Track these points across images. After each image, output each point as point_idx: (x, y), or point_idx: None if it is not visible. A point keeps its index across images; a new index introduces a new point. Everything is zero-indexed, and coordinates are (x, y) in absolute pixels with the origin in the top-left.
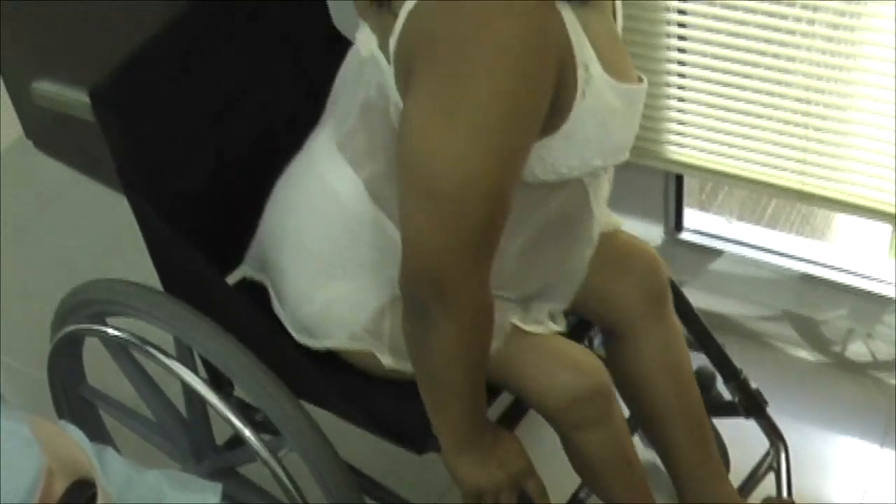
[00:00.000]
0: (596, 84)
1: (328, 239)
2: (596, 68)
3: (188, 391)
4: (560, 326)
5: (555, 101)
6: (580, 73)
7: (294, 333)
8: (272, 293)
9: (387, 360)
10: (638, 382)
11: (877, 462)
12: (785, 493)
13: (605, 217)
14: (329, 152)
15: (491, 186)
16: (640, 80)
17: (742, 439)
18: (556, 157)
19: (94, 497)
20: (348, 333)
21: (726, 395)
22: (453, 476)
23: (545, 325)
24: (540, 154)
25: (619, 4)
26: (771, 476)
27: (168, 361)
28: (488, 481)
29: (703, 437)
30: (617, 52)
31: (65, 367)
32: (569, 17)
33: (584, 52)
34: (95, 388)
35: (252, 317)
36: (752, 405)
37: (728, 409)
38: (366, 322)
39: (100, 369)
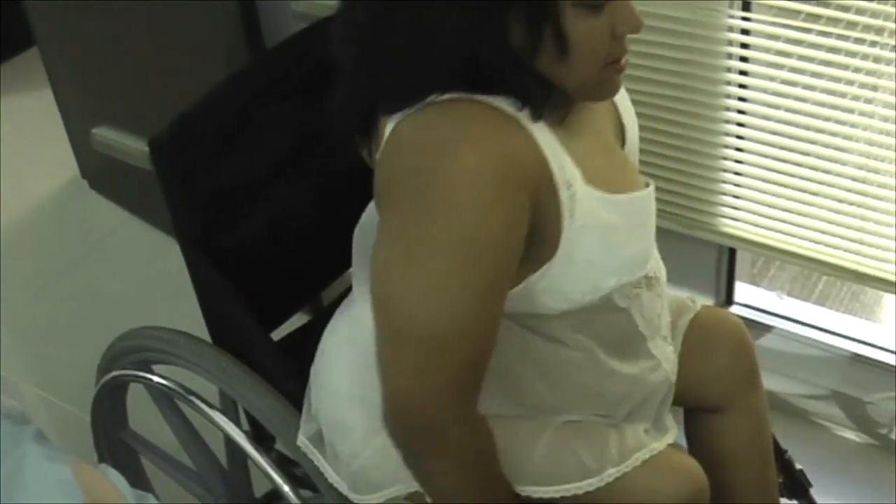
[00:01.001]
0: (583, 202)
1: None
2: (580, 186)
3: (230, 443)
4: (667, 437)
5: (538, 227)
6: (562, 193)
7: (353, 495)
8: (325, 467)
9: None
10: (724, 458)
11: None
12: None
13: (675, 319)
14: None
15: (467, 327)
16: (647, 185)
17: None
18: (562, 284)
19: None
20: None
21: None
22: None
23: (646, 445)
24: (544, 285)
25: (626, 107)
26: None
27: (211, 412)
28: None
29: None
30: (611, 162)
31: (108, 411)
32: (544, 136)
33: (566, 170)
34: (137, 434)
35: (293, 376)
36: (795, 487)
37: None
38: None
39: (142, 414)
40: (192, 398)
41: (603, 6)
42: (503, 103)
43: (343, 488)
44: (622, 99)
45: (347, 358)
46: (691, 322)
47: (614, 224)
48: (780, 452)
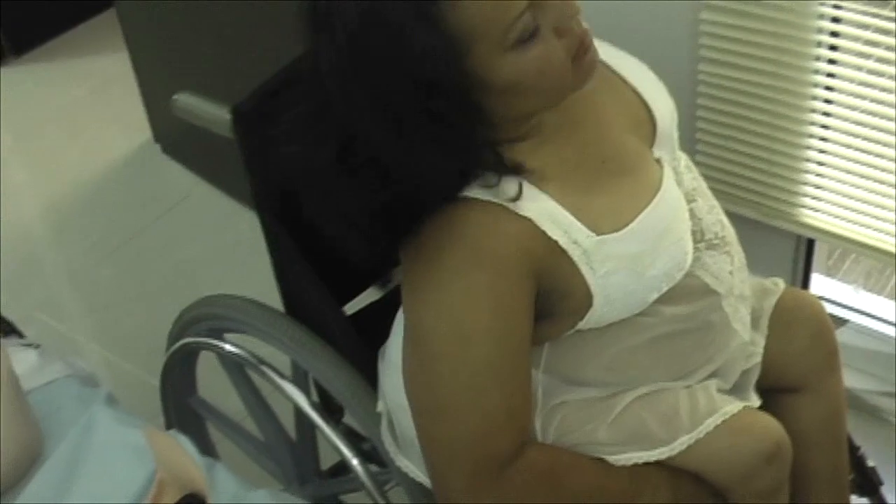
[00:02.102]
0: (597, 253)
1: None
2: (588, 241)
3: (299, 414)
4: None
5: (561, 289)
6: (573, 254)
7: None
8: (395, 450)
9: None
10: (798, 438)
11: None
12: None
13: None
14: None
15: (488, 420)
16: (661, 170)
17: None
18: (609, 317)
19: None
20: None
21: None
22: None
23: (718, 409)
24: (592, 323)
25: (649, 89)
26: None
27: (282, 382)
28: None
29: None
30: (617, 186)
31: (178, 377)
32: (538, 206)
33: (571, 231)
34: (205, 401)
35: (363, 350)
36: (866, 484)
37: None
38: None
39: (211, 382)
40: (264, 368)
41: (538, 30)
42: (489, 193)
43: (412, 470)
44: (643, 81)
45: None
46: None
47: (637, 252)
48: (852, 449)
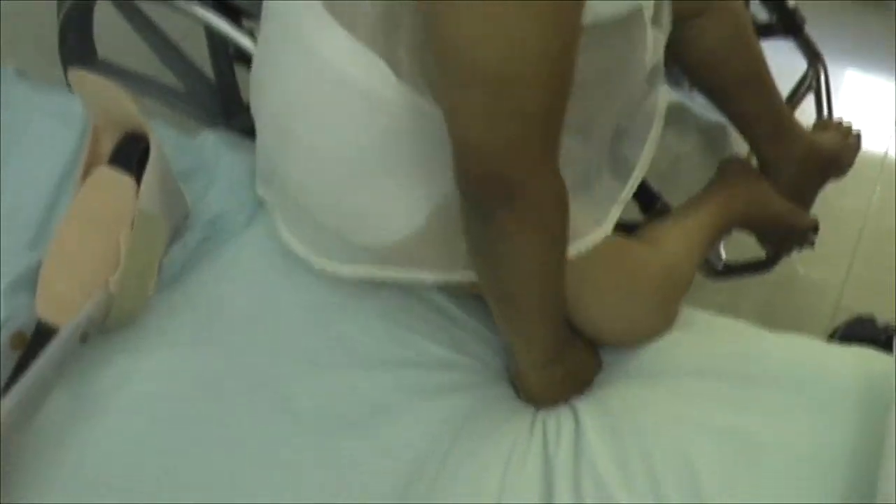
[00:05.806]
0: None
1: (357, 141)
2: None
3: (214, 50)
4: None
5: None
6: None
7: (316, 260)
8: (279, 220)
9: (432, 277)
10: (713, 55)
11: None
12: (825, 112)
13: None
14: (326, 30)
15: (550, 61)
16: None
17: (779, 62)
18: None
19: (146, 152)
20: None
21: (762, 15)
22: (525, 391)
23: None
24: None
25: None
26: (810, 98)
27: (187, 5)
28: (561, 397)
29: (778, 104)
30: None
31: (76, 43)
32: None
33: None
34: (111, 63)
35: None
36: (789, 24)
37: (765, 30)
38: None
39: (111, 46)
40: None
41: None
42: None
43: (303, 251)
44: None
45: (301, 96)
46: None
47: None
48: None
